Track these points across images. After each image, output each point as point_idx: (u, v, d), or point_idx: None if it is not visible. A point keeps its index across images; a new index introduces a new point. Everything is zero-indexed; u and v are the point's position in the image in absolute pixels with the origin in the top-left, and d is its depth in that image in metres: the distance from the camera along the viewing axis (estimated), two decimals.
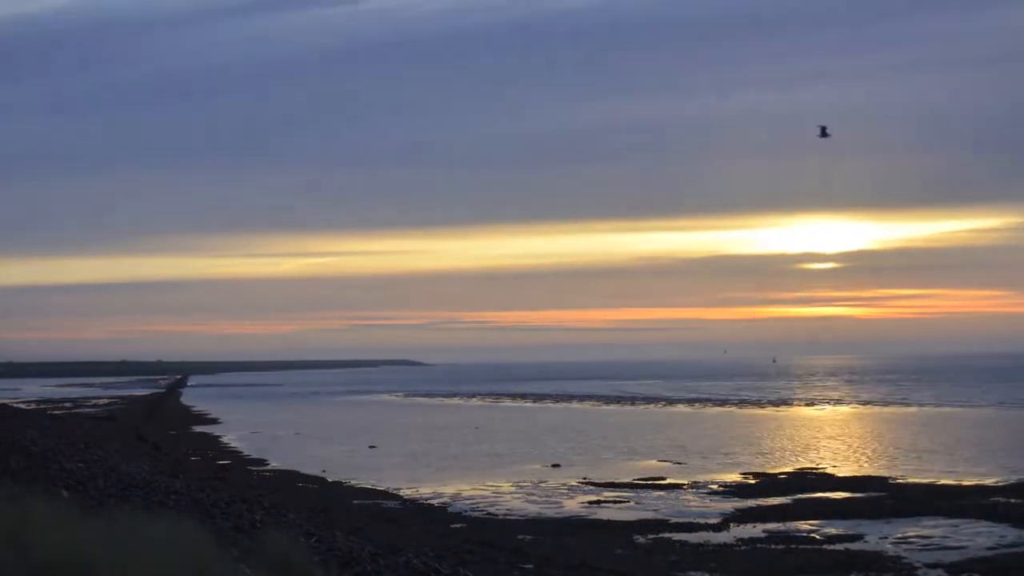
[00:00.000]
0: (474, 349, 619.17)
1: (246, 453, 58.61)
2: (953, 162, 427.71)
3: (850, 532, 30.19)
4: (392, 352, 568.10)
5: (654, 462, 51.37)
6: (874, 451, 55.59)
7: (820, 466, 48.49)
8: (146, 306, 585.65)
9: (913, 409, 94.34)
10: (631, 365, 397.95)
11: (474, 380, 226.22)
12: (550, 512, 35.31)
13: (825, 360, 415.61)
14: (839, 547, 27.91)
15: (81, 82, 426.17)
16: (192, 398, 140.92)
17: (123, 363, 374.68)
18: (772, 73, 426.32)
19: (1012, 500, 35.64)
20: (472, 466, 50.50)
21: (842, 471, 46.31)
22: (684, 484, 42.16)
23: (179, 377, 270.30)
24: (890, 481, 42.09)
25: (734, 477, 44.52)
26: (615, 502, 37.52)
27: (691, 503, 37.17)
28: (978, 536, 29.21)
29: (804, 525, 31.62)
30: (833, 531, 30.46)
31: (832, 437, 65.63)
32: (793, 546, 28.13)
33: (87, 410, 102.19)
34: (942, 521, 31.71)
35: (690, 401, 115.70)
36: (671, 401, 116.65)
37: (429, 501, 38.18)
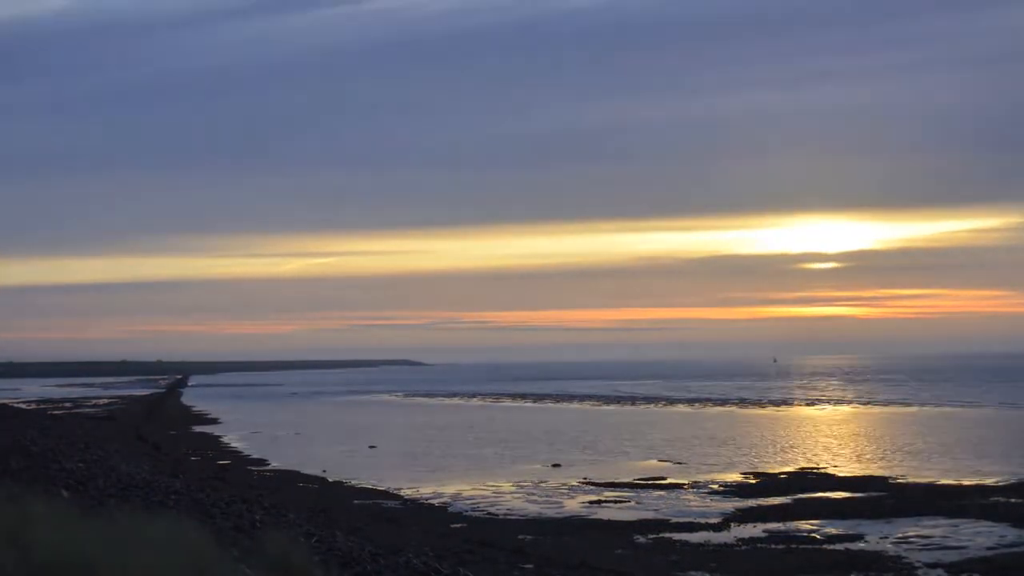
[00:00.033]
0: (474, 349, 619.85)
1: (246, 453, 58.61)
2: (954, 162, 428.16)
3: (850, 532, 30.19)
4: (392, 352, 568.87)
5: (654, 462, 51.37)
6: (874, 451, 55.59)
7: (820, 466, 48.49)
8: (146, 306, 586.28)
9: (913, 409, 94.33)
10: (631, 365, 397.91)
11: (474, 380, 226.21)
12: (550, 512, 35.31)
13: (825, 360, 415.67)
14: (839, 547, 27.90)
15: (82, 83, 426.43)
16: (192, 398, 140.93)
17: (123, 363, 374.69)
18: (777, 73, 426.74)
19: (1012, 500, 35.63)
20: (472, 466, 50.50)
21: (842, 471, 46.31)
22: (684, 484, 42.16)
23: (179, 377, 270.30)
24: (890, 481, 42.09)
25: (734, 477, 44.52)
26: (615, 502, 37.52)
27: (691, 503, 37.17)
28: (978, 536, 29.20)
29: (804, 525, 31.62)
30: (833, 531, 30.45)
31: (832, 437, 65.63)
32: (793, 546, 28.13)
33: (87, 410, 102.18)
34: (942, 521, 31.71)
35: (690, 401, 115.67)
36: (671, 401, 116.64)
37: (429, 501, 38.17)
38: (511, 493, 40.31)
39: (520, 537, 29.38)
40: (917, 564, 25.57)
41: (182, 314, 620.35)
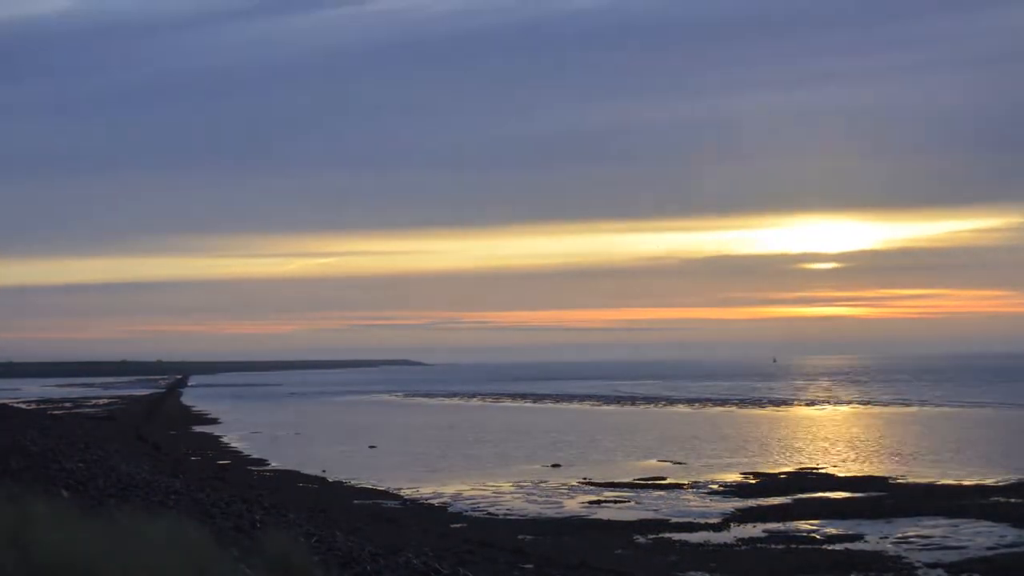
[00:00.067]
0: (474, 349, 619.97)
1: (246, 453, 58.61)
2: (955, 162, 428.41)
3: (850, 532, 30.19)
4: (392, 352, 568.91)
5: (654, 462, 51.37)
6: (874, 451, 55.59)
7: (820, 466, 48.50)
8: (146, 306, 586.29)
9: (913, 409, 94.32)
10: (631, 365, 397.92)
11: (474, 380, 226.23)
12: (550, 512, 35.31)
13: (825, 360, 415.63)
14: (839, 547, 27.90)
15: (83, 83, 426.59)
16: (192, 398, 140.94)
17: (123, 363, 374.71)
18: (779, 74, 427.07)
19: (1012, 500, 35.64)
20: (472, 466, 50.50)
21: (842, 471, 46.32)
22: (684, 484, 42.16)
23: (179, 377, 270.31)
24: (890, 481, 42.10)
25: (734, 477, 44.52)
26: (615, 502, 37.52)
27: (691, 503, 37.17)
28: (978, 536, 29.21)
29: (804, 525, 31.62)
30: (833, 531, 30.46)
31: (832, 437, 65.63)
32: (793, 546, 28.13)
33: (87, 410, 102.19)
34: (942, 521, 31.71)
35: (690, 401, 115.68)
36: (671, 401, 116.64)
37: (429, 501, 38.17)
38: (511, 493, 40.32)
39: (520, 537, 29.38)
40: (917, 564, 25.58)
41: (182, 314, 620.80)
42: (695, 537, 29.78)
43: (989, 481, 41.17)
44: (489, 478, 45.06)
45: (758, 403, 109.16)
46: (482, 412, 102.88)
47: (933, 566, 25.37)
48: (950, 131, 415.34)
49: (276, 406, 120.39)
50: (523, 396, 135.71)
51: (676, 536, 29.89)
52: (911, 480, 42.36)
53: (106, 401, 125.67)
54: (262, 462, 53.20)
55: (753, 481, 42.97)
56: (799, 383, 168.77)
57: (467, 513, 35.06)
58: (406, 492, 40.46)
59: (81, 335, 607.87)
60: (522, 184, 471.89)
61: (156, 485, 30.99)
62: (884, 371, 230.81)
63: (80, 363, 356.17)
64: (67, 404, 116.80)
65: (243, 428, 79.45)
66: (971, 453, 53.04)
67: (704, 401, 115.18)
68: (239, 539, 18.24)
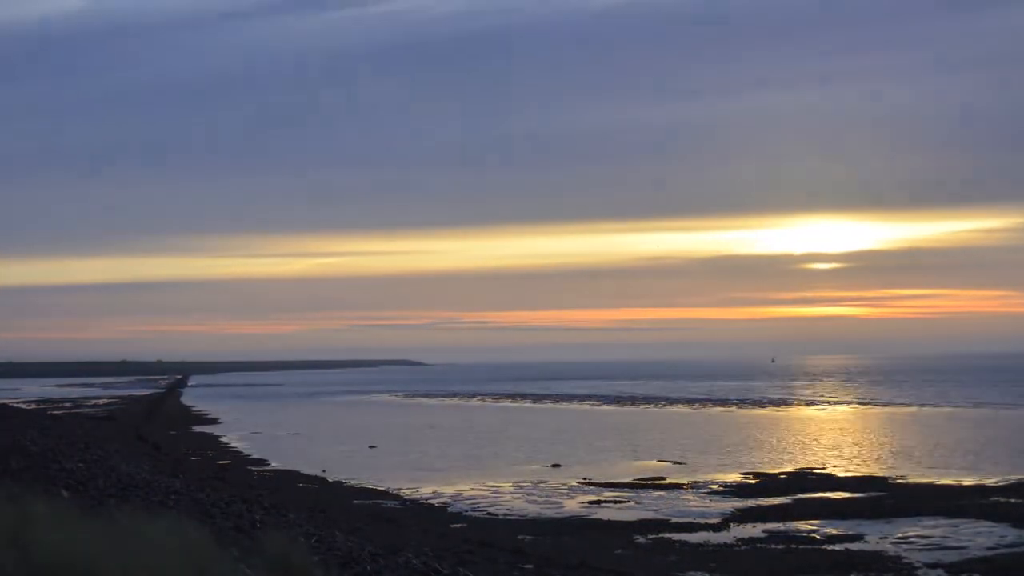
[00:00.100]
0: (474, 349, 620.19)
1: (246, 453, 58.60)
2: (957, 162, 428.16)
3: (850, 532, 30.19)
4: (392, 352, 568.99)
5: (654, 462, 51.36)
6: (874, 451, 55.59)
7: (820, 466, 48.49)
8: (146, 306, 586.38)
9: (913, 409, 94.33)
10: (631, 365, 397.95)
11: (474, 380, 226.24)
12: (550, 512, 35.31)
13: (825, 360, 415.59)
14: (839, 547, 27.91)
15: (82, 84, 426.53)
16: (192, 398, 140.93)
17: (123, 363, 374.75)
18: (777, 74, 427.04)
19: (1012, 500, 35.64)
20: (472, 466, 50.50)
21: (842, 471, 46.32)
22: (684, 484, 42.16)
23: (179, 377, 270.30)
24: (890, 481, 42.10)
25: (734, 477, 44.52)
26: (615, 502, 37.51)
27: (691, 503, 37.17)
28: (978, 536, 29.21)
29: (804, 525, 31.62)
30: (833, 531, 30.46)
31: (832, 437, 65.63)
32: (793, 546, 28.13)
33: (87, 410, 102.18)
34: (942, 521, 31.71)
35: (690, 401, 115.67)
36: (671, 401, 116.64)
37: (429, 501, 38.17)
38: (511, 493, 40.31)
39: (520, 537, 29.38)
40: (917, 564, 25.58)
41: (182, 314, 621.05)
42: (695, 537, 29.78)
43: (989, 481, 41.17)
44: (489, 478, 45.06)
45: (758, 403, 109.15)
46: (482, 412, 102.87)
47: (933, 566, 25.37)
48: (951, 131, 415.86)
49: (276, 406, 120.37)
50: (523, 396, 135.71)
51: (676, 536, 29.89)
52: (911, 480, 42.37)
53: (106, 401, 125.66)
54: (262, 462, 53.19)
55: (753, 481, 42.97)
56: (799, 383, 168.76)
57: (467, 513, 35.06)
58: (406, 492, 40.45)
59: (81, 335, 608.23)
60: (522, 184, 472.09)
61: (156, 485, 31.00)
62: (885, 371, 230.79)
63: (80, 363, 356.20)
64: (67, 404, 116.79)
65: (243, 428, 79.45)
66: (971, 453, 53.03)
67: (704, 401, 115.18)
68: (239, 539, 18.24)
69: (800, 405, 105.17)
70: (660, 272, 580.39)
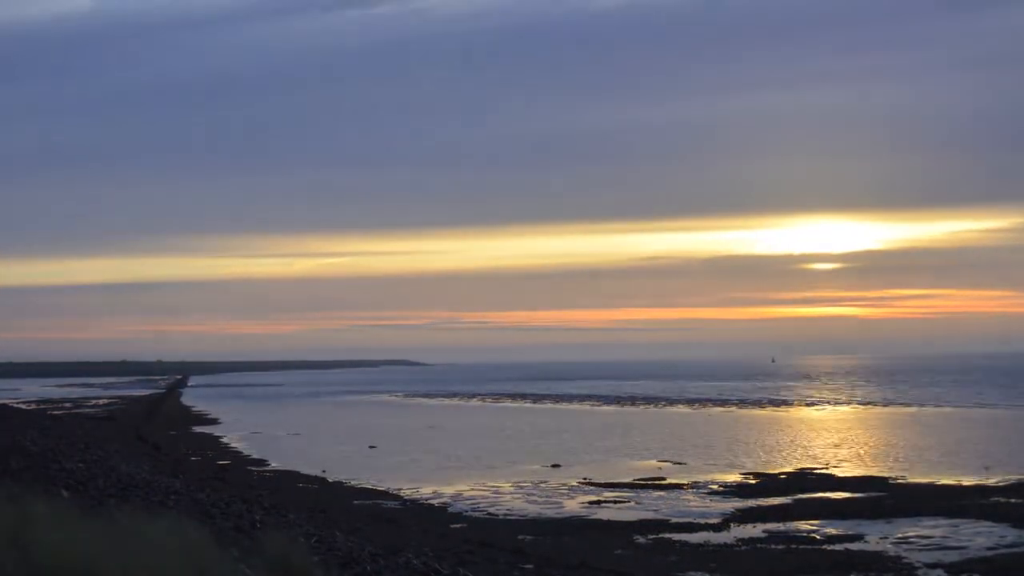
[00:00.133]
0: (474, 349, 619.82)
1: (246, 453, 58.60)
2: (958, 162, 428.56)
3: (850, 532, 30.18)
4: (392, 352, 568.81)
5: (654, 462, 51.35)
6: (874, 451, 55.59)
7: (820, 466, 48.49)
8: (146, 306, 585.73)
9: (913, 409, 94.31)
10: (631, 365, 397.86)
11: (474, 380, 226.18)
12: (550, 512, 35.30)
13: (826, 360, 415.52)
14: (839, 547, 27.90)
15: (83, 84, 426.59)
16: (192, 398, 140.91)
17: (123, 363, 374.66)
18: (777, 73, 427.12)
19: (1012, 500, 35.63)
20: (472, 466, 50.49)
21: (842, 471, 46.31)
22: (684, 484, 42.15)
23: (179, 377, 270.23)
24: (890, 481, 42.09)
25: (734, 477, 44.51)
26: (615, 502, 37.51)
27: (691, 503, 37.16)
28: (978, 536, 29.20)
29: (804, 525, 31.62)
30: (833, 531, 30.45)
31: (832, 437, 65.62)
32: (793, 546, 28.13)
33: (87, 410, 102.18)
34: (942, 521, 31.70)
35: (690, 401, 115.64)
36: (671, 401, 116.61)
37: (429, 501, 38.17)
38: (511, 493, 40.31)
39: (520, 537, 29.38)
40: (917, 564, 25.57)
41: (182, 314, 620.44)
42: (695, 537, 29.78)
43: (989, 481, 41.16)
44: (489, 478, 45.05)
45: (758, 403, 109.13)
46: (482, 412, 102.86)
47: (933, 566, 25.36)
48: (952, 131, 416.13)
49: (276, 406, 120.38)
50: (523, 396, 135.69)
51: (676, 536, 29.88)
52: (911, 480, 42.37)
53: (106, 401, 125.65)
54: (262, 462, 53.18)
55: (753, 481, 42.97)
56: (799, 383, 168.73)
57: (467, 513, 35.06)
58: (406, 492, 40.44)
59: (81, 335, 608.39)
60: (522, 184, 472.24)
61: (156, 485, 30.99)
62: (885, 371, 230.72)
63: (80, 363, 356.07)
64: (67, 404, 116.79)
65: (243, 428, 79.44)
66: (971, 453, 53.02)
67: (704, 401, 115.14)
68: (239, 539, 18.24)
69: (800, 405, 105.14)
70: (660, 272, 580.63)
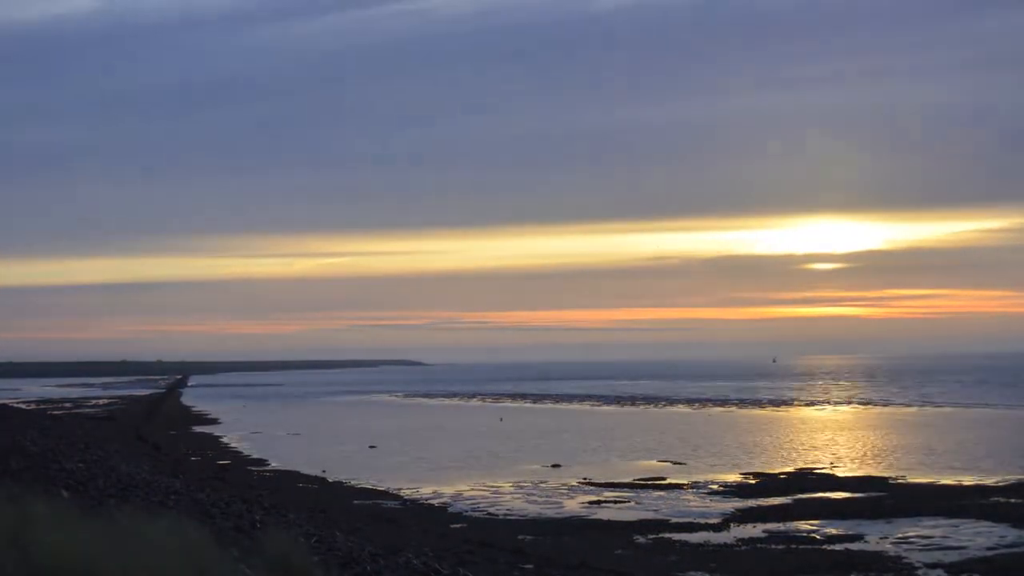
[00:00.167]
0: (474, 349, 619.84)
1: (246, 453, 58.60)
2: (959, 163, 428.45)
3: (850, 532, 30.19)
4: (392, 352, 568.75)
5: (654, 462, 51.36)
6: (874, 451, 55.59)
7: (820, 466, 48.49)
8: (146, 306, 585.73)
9: (913, 409, 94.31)
10: (631, 365, 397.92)
11: (474, 380, 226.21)
12: (550, 512, 35.31)
13: (827, 360, 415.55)
14: (839, 547, 27.91)
15: (84, 85, 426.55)
16: (192, 398, 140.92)
17: (123, 363, 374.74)
18: (779, 74, 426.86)
19: (1012, 500, 35.64)
20: (472, 466, 50.49)
21: (842, 471, 46.32)
22: (684, 484, 42.16)
23: (179, 377, 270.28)
24: (890, 481, 42.10)
25: (734, 477, 44.51)
26: (615, 502, 37.51)
27: (691, 503, 37.17)
28: (978, 536, 29.21)
29: (804, 525, 31.63)
30: (833, 531, 30.46)
31: (832, 437, 65.62)
32: (793, 546, 28.14)
33: (87, 410, 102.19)
34: (942, 521, 31.71)
35: (690, 401, 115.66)
36: (671, 401, 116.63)
37: (429, 501, 38.17)
38: (511, 493, 40.31)
39: (520, 537, 29.39)
40: (917, 564, 25.58)
41: (182, 314, 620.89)
42: (695, 537, 29.78)
43: (989, 481, 41.17)
44: (489, 478, 45.06)
45: (758, 403, 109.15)
46: (482, 412, 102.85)
47: (933, 566, 25.37)
48: (954, 131, 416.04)
49: (276, 406, 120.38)
50: (523, 396, 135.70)
51: (676, 536, 29.89)
52: (911, 480, 42.37)
53: (106, 401, 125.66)
54: (262, 462, 53.19)
55: (753, 481, 42.97)
56: (800, 383, 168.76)
57: (467, 513, 35.07)
58: (406, 492, 40.45)
59: (81, 335, 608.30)
60: (522, 184, 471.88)
61: (156, 485, 30.99)
62: (885, 371, 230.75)
63: (80, 363, 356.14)
64: (67, 404, 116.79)
65: (243, 428, 79.45)
66: (971, 453, 53.01)
67: (704, 401, 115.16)
68: (239, 539, 18.24)
69: (800, 405, 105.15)
70: (661, 272, 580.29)
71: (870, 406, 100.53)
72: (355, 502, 37.12)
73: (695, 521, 32.57)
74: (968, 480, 41.77)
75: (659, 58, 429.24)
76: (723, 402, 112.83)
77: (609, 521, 33.09)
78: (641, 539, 29.48)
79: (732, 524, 31.99)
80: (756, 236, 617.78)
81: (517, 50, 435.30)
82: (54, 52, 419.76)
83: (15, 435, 45.60)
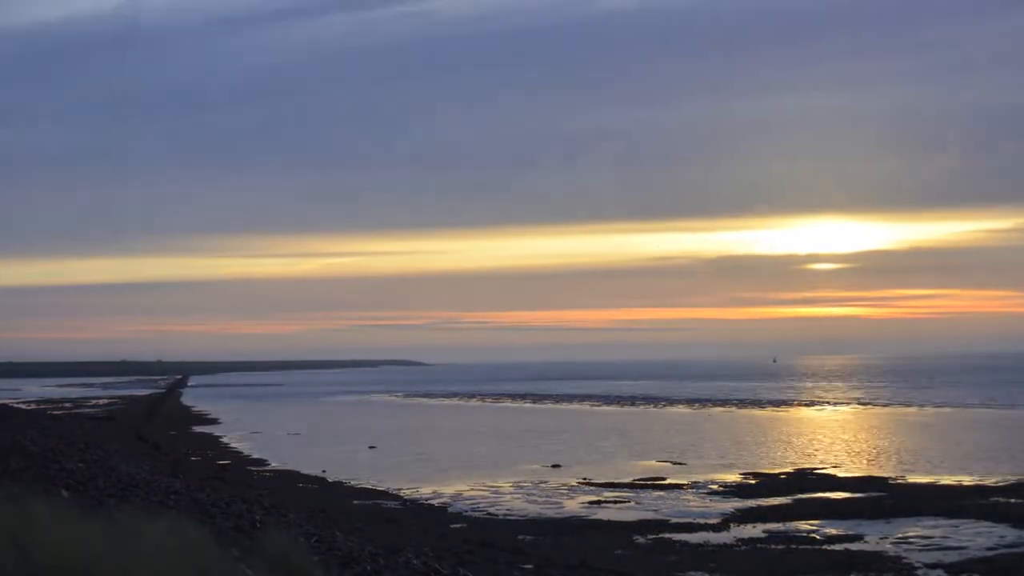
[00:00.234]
0: (474, 349, 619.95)
1: (246, 453, 58.62)
2: (961, 163, 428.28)
3: (850, 532, 30.19)
4: (392, 352, 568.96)
5: (654, 462, 51.37)
6: (874, 451, 55.59)
7: (820, 466, 48.49)
8: (146, 306, 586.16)
9: (913, 409, 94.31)
10: (631, 365, 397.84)
11: (474, 380, 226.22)
12: (550, 512, 35.31)
13: (827, 360, 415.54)
14: (839, 547, 27.91)
15: (84, 85, 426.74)
16: (192, 398, 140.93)
17: (123, 363, 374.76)
18: (780, 75, 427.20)
19: (1012, 500, 35.64)
20: (472, 466, 50.50)
21: (842, 471, 46.32)
22: (684, 484, 42.16)
23: (179, 377, 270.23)
24: (890, 481, 42.10)
25: (734, 477, 44.52)
26: (615, 502, 37.52)
27: (691, 503, 37.17)
28: (978, 536, 29.21)
29: (804, 525, 31.63)
30: (833, 531, 30.46)
31: (832, 437, 65.63)
32: (793, 546, 28.13)
33: (87, 410, 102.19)
34: (942, 521, 31.71)
35: (690, 401, 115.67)
36: (671, 401, 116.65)
37: (429, 501, 38.18)
38: (511, 493, 40.32)
39: (520, 537, 29.39)
40: (917, 564, 25.58)
41: (182, 314, 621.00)
42: (695, 537, 29.78)
43: (989, 481, 41.17)
44: (489, 478, 45.06)
45: (758, 403, 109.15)
46: (482, 412, 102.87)
47: (933, 566, 25.37)
48: (956, 131, 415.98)
49: (276, 406, 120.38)
50: (523, 396, 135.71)
51: (676, 536, 29.89)
52: (911, 480, 42.37)
53: (106, 401, 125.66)
54: (262, 462, 53.20)
55: (753, 481, 42.97)
56: (800, 383, 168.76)
57: (467, 513, 35.07)
58: (406, 492, 40.46)
59: (81, 335, 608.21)
60: (522, 184, 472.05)
61: (156, 485, 30.99)
62: (886, 371, 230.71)
63: (80, 363, 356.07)
64: (67, 404, 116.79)
65: (243, 428, 79.46)
66: (971, 453, 53.02)
67: (704, 401, 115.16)
68: (239, 539, 18.24)
69: (801, 405, 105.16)
70: (662, 272, 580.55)
71: (870, 406, 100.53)
72: (355, 502, 37.13)
73: (695, 521, 32.57)
74: (968, 480, 41.77)
75: (660, 60, 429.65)
76: (723, 402, 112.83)
77: (609, 521, 33.09)
78: (641, 539, 29.48)
79: (732, 524, 31.99)
80: (757, 236, 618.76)
81: (519, 52, 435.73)
82: (54, 54, 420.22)
83: (15, 435, 45.60)
